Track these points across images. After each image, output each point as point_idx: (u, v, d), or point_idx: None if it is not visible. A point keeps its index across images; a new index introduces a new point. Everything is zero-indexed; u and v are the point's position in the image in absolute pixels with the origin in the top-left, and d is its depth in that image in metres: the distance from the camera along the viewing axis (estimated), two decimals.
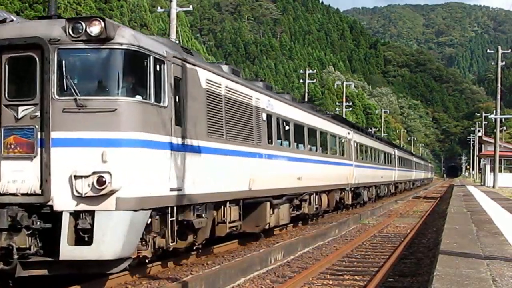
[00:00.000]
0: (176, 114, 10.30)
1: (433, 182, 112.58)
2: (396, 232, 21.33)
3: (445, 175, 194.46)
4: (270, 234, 17.18)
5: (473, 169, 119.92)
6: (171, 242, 10.26)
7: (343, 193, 25.41)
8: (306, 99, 57.67)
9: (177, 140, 10.26)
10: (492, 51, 59.12)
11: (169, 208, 10.14)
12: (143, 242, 9.74)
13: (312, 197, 19.98)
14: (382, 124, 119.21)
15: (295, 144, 18.29)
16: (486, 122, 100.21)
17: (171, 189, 10.02)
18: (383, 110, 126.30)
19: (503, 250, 10.71)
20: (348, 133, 27.24)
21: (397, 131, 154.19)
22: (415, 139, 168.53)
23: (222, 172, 12.25)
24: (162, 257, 11.50)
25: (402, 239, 18.34)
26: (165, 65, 10.06)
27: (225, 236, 13.35)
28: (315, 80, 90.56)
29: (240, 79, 14.36)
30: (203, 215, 11.53)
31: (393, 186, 46.18)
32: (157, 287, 9.92)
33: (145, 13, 79.89)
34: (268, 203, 15.22)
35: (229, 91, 12.91)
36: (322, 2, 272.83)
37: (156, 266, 11.34)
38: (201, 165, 11.25)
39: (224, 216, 12.82)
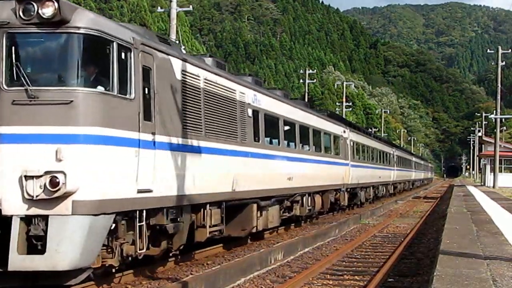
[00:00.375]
0: (145, 108, 9.35)
1: (433, 182, 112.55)
2: (396, 232, 21.32)
3: (445, 175, 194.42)
4: (258, 238, 16.37)
5: (473, 169, 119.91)
6: (141, 249, 9.30)
7: (339, 193, 24.57)
8: (306, 99, 57.70)
9: (146, 137, 9.31)
10: (492, 51, 59.15)
11: (137, 212, 9.18)
12: (109, 250, 8.90)
13: (304, 198, 19.10)
14: (382, 124, 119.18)
15: (286, 142, 17.37)
16: (486, 122, 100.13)
17: (140, 191, 9.09)
18: (383, 110, 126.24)
19: (503, 250, 10.71)
20: (344, 132, 26.20)
21: (397, 131, 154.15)
22: (415, 139, 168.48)
23: (200, 171, 11.31)
24: (162, 257, 11.50)
25: (402, 239, 18.34)
26: (132, 53, 9.10)
27: (207, 241, 12.40)
28: (315, 80, 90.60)
29: (223, 71, 13.25)
30: (178, 219, 10.55)
31: (392, 187, 45.40)
32: (157, 287, 9.92)
33: (145, 13, 79.89)
34: (255, 205, 14.31)
35: (209, 84, 11.93)
36: (322, 2, 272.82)
37: (156, 266, 11.33)
38: (176, 164, 10.31)
39: (204, 220, 11.80)
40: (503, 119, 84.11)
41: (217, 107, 12.30)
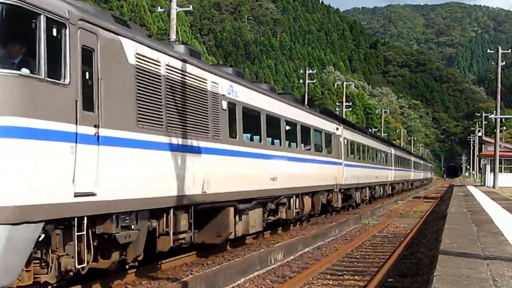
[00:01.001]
0: (86, 96, 7.95)
1: (433, 182, 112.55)
2: (396, 232, 21.32)
3: (445, 175, 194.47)
4: (238, 244, 14.89)
5: (473, 169, 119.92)
6: (79, 264, 7.97)
7: (331, 194, 23.03)
8: (306, 99, 57.70)
9: (87, 130, 7.88)
10: (492, 51, 59.13)
11: (76, 219, 7.80)
12: (43, 264, 7.63)
13: (292, 200, 17.68)
14: (382, 124, 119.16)
15: (269, 139, 15.84)
16: (486, 122, 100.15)
17: (78, 195, 7.69)
18: (383, 110, 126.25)
19: (503, 250, 10.70)
20: (337, 129, 24.61)
21: (397, 131, 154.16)
22: (415, 139, 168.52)
23: (160, 171, 9.88)
24: (162, 257, 11.50)
25: (402, 239, 18.34)
26: (68, 29, 7.68)
27: (173, 250, 10.91)
28: (315, 80, 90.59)
29: (192, 58, 11.71)
30: (132, 227, 9.08)
31: (390, 187, 43.94)
32: (157, 287, 9.91)
33: (144, 13, 79.88)
34: (232, 209, 13.00)
35: (172, 70, 10.45)
36: (322, 2, 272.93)
37: (156, 266, 11.33)
38: (128, 163, 8.87)
39: (167, 227, 10.33)
40: (503, 119, 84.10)
41: (183, 98, 10.79)
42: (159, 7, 49.67)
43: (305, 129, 19.66)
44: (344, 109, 75.06)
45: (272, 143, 16.12)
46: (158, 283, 10.16)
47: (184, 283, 9.61)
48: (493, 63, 55.77)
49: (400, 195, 50.03)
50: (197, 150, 11.25)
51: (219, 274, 10.62)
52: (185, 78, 11.00)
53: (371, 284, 10.86)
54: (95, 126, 8.09)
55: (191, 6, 36.40)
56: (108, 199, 8.34)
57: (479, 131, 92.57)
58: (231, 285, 10.62)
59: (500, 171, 50.22)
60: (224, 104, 12.70)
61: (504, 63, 52.00)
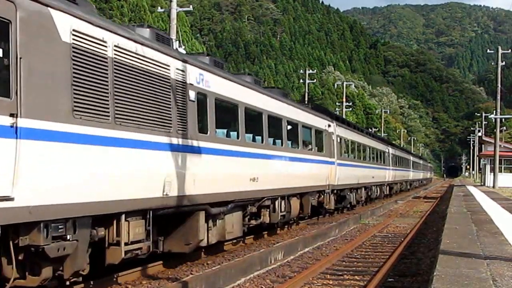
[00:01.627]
0: None
1: (433, 182, 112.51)
2: (396, 232, 21.33)
3: (445, 175, 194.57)
4: (214, 252, 13.47)
5: (473, 169, 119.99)
6: (5, 281, 7.02)
7: (322, 196, 21.48)
8: (306, 99, 57.73)
9: (1, 120, 6.59)
10: (492, 51, 59.14)
11: None
12: None
13: (276, 202, 16.07)
14: (382, 124, 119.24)
15: (249, 136, 14.25)
16: (486, 122, 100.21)
17: None
18: (383, 110, 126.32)
19: (503, 250, 10.70)
20: (329, 126, 22.90)
21: (397, 131, 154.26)
22: (415, 139, 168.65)
23: (106, 171, 8.43)
24: (162, 257, 11.51)
25: (402, 239, 18.35)
26: None
27: (124, 262, 9.31)
28: (315, 80, 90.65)
29: (157, 43, 10.25)
30: (68, 237, 7.69)
31: (387, 188, 42.20)
32: (157, 287, 9.92)
33: (145, 13, 79.89)
34: (202, 213, 11.45)
35: (122, 53, 8.95)
36: (322, 2, 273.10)
37: (156, 266, 11.34)
38: (59, 160, 7.43)
39: (118, 235, 8.89)
40: (503, 119, 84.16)
41: (138, 86, 9.22)
42: (159, 7, 49.73)
43: (292, 125, 18.08)
44: (344, 109, 75.10)
45: (254, 140, 14.53)
46: (158, 283, 10.17)
47: (184, 283, 9.61)
48: (493, 63, 55.78)
49: (400, 195, 50.00)
50: (156, 147, 9.68)
51: (219, 274, 10.62)
52: (141, 63, 9.38)
53: (371, 284, 10.86)
54: (11, 115, 6.68)
55: (191, 6, 36.47)
56: (32, 205, 6.89)
57: (479, 131, 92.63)
58: (231, 285, 10.62)
59: (500, 171, 50.22)
60: (192, 95, 11.08)
61: (504, 63, 52.01)
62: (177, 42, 24.75)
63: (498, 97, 50.00)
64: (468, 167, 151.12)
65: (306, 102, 25.52)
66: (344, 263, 13.95)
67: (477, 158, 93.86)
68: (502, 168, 52.22)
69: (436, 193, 58.81)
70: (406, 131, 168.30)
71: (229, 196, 12.72)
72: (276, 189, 15.85)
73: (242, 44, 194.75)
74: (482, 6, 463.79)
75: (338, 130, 24.45)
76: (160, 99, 9.92)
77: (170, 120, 10.20)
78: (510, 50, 56.31)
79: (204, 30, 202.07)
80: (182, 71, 10.84)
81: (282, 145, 16.75)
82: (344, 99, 76.79)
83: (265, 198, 15.11)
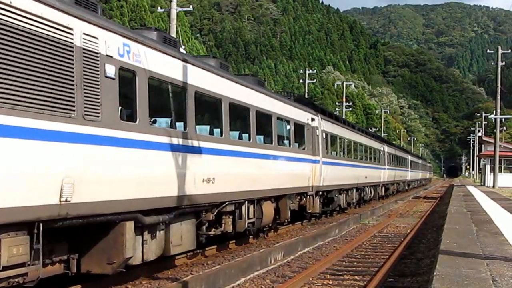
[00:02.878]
0: None
1: (432, 182, 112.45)
2: (396, 232, 21.33)
3: (445, 175, 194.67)
4: (156, 271, 11.12)
5: (473, 169, 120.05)
6: None
7: (305, 199, 19.22)
8: None
9: None
10: (492, 51, 59.13)
11: None
12: None
13: (243, 207, 13.80)
14: (382, 124, 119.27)
15: (204, 127, 12.06)
16: (486, 122, 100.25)
17: None
18: (383, 110, 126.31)
19: (503, 250, 10.71)
20: (312, 120, 20.30)
21: (397, 131, 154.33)
22: (415, 139, 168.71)
23: None
24: (161, 257, 11.50)
25: (402, 239, 18.35)
26: None
27: None
28: (315, 80, 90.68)
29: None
30: None
31: (382, 188, 39.49)
32: (157, 287, 9.92)
33: (145, 13, 79.88)
34: (130, 224, 8.99)
35: None
36: (322, 2, 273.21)
37: (156, 266, 11.33)
38: None
39: None
40: (503, 119, 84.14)
41: (17, 53, 6.96)
42: (159, 7, 49.75)
43: (264, 117, 15.63)
44: (344, 109, 75.11)
45: (211, 133, 12.30)
46: (158, 283, 10.17)
47: (184, 283, 9.61)
48: (493, 63, 55.79)
49: (399, 195, 49.95)
50: (47, 136, 7.32)
51: (219, 274, 10.63)
52: (23, 22, 7.05)
53: (371, 284, 10.86)
54: None
55: (191, 6, 36.43)
56: None
57: (479, 131, 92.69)
58: (231, 285, 10.62)
59: (500, 171, 50.24)
60: (110, 70, 8.68)
61: (504, 63, 52.01)
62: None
63: (498, 97, 50.01)
64: (468, 167, 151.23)
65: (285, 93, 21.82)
66: (344, 263, 13.95)
67: (477, 158, 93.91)
68: (502, 168, 52.23)
69: (436, 193, 58.82)
70: (406, 131, 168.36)
71: (171, 201, 10.26)
72: (242, 192, 13.52)
73: (242, 44, 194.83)
74: (482, 6, 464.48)
75: (323, 125, 21.90)
76: (54, 72, 7.52)
77: (73, 102, 7.71)
78: (510, 50, 56.34)
79: (204, 30, 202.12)
80: (94, 37, 8.33)
81: (249, 139, 14.31)
82: (344, 99, 76.80)
83: (227, 203, 12.77)
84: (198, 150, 11.36)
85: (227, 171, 12.78)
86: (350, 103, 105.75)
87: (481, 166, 72.44)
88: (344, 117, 62.26)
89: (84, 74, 8.09)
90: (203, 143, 11.63)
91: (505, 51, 53.59)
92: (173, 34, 24.74)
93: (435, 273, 8.21)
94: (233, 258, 12.95)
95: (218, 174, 12.19)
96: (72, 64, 7.87)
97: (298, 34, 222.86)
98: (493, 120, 53.71)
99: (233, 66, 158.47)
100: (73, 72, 7.86)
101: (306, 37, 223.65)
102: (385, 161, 40.21)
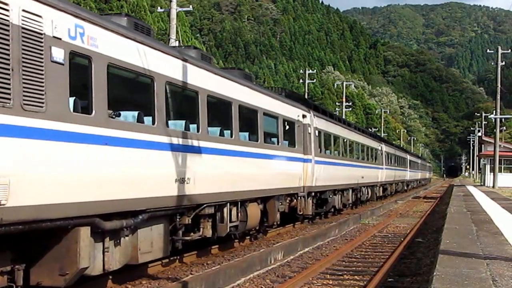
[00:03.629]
0: None
1: (432, 182, 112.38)
2: (396, 232, 21.34)
3: (445, 175, 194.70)
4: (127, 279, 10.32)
5: (473, 169, 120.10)
6: None
7: (295, 200, 18.17)
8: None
9: None
10: (492, 51, 59.17)
11: None
12: None
13: (225, 209, 12.72)
14: (382, 124, 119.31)
15: (176, 122, 10.92)
16: (486, 122, 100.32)
17: None
18: (383, 110, 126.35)
19: (503, 250, 10.71)
20: (303, 117, 19.11)
21: (397, 131, 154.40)
22: (415, 139, 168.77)
23: None
24: (161, 257, 11.51)
25: (402, 239, 18.36)
26: None
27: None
28: (315, 80, 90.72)
29: None
30: None
31: (380, 189, 38.27)
32: (157, 287, 9.92)
33: (145, 13, 79.92)
34: (86, 229, 8.01)
35: None
36: (322, 2, 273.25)
37: (156, 266, 11.33)
38: None
39: None
40: (503, 119, 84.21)
41: None
42: (159, 7, 49.73)
43: (249, 112, 14.55)
44: (344, 109, 75.14)
45: (187, 128, 11.12)
46: (158, 283, 10.17)
47: (184, 283, 9.62)
48: (493, 63, 55.81)
49: (399, 195, 49.93)
50: None
51: (219, 274, 10.63)
52: None
53: (371, 284, 10.87)
54: None
55: (191, 6, 36.47)
56: None
57: (478, 131, 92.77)
58: (231, 285, 10.63)
59: (500, 171, 50.26)
60: (58, 54, 7.66)
61: (504, 63, 52.07)
62: (177, 42, 24.81)
63: (498, 97, 50.03)
64: (468, 167, 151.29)
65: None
66: (344, 263, 13.95)
67: (477, 158, 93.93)
68: (502, 168, 52.25)
69: (436, 193, 58.83)
70: (406, 131, 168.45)
71: (137, 204, 9.19)
72: (223, 193, 12.44)
73: (242, 44, 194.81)
74: (482, 6, 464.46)
75: (316, 122, 20.69)
76: None
77: (8, 89, 6.74)
78: (510, 50, 56.40)
79: (204, 30, 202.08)
80: (37, 16, 7.27)
81: (232, 136, 13.13)
82: (344, 99, 76.86)
83: (205, 205, 11.70)
84: (170, 147, 10.22)
85: (205, 170, 11.64)
86: (350, 103, 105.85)
87: (481, 166, 72.46)
88: (344, 117, 62.24)
89: (24, 58, 7.00)
90: (177, 139, 10.49)
91: (505, 51, 53.62)
92: (173, 34, 24.74)
93: (435, 273, 8.21)
94: (233, 258, 12.95)
95: (194, 174, 11.04)
96: (8, 45, 6.81)
97: (298, 34, 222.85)
98: (493, 120, 53.73)
99: (233, 66, 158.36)
100: (8, 55, 6.80)
101: (306, 37, 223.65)
102: (383, 161, 39.12)
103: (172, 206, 10.43)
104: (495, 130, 50.47)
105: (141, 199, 9.29)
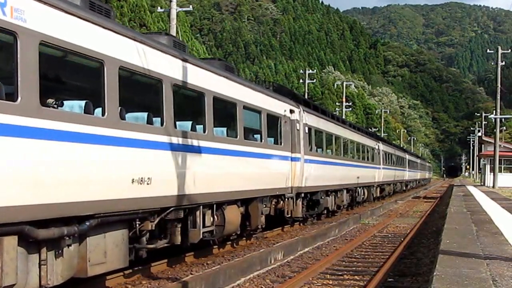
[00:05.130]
0: None
1: (432, 182, 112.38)
2: (396, 232, 21.34)
3: (445, 175, 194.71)
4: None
5: (473, 169, 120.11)
6: None
7: (282, 202, 16.92)
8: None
9: None
10: (492, 51, 59.15)
11: None
12: None
13: (197, 213, 11.43)
14: (382, 124, 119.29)
15: (131, 114, 9.49)
16: (486, 122, 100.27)
17: None
18: (383, 110, 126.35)
19: (503, 250, 10.71)
20: (291, 111, 17.77)
21: (397, 131, 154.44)
22: (415, 139, 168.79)
23: None
24: (163, 257, 11.51)
25: (402, 239, 18.36)
26: None
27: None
28: (315, 80, 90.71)
29: None
30: None
31: (377, 189, 36.82)
32: (157, 287, 9.91)
33: (145, 13, 79.92)
34: (9, 240, 6.81)
35: None
36: (322, 2, 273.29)
37: (156, 266, 11.33)
38: None
39: None
40: (503, 119, 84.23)
41: None
42: (159, 7, 49.67)
43: (225, 105, 13.25)
44: (344, 109, 75.15)
45: (150, 122, 9.81)
46: (158, 283, 10.16)
47: (184, 283, 9.61)
48: (492, 63, 55.80)
49: (399, 195, 49.92)
50: None
51: (219, 274, 10.62)
52: None
53: (371, 284, 10.87)
54: None
55: (191, 6, 36.44)
56: None
57: (479, 131, 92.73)
58: (231, 285, 10.62)
59: (500, 171, 50.26)
60: None
61: (504, 63, 52.05)
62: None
63: (498, 97, 50.04)
64: (468, 167, 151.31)
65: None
66: (344, 263, 13.95)
67: (477, 158, 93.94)
68: (502, 168, 52.25)
69: (436, 193, 58.84)
70: (406, 131, 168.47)
71: (82, 208, 7.88)
72: (194, 195, 11.08)
73: (241, 44, 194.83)
74: (482, 6, 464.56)
75: (306, 118, 19.38)
76: None
77: None
78: (510, 50, 56.43)
79: (204, 30, 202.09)
80: None
81: (204, 131, 11.72)
82: (344, 99, 76.81)
83: (171, 209, 10.36)
84: (125, 143, 8.88)
85: (170, 170, 10.22)
86: (350, 103, 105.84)
87: (481, 166, 72.47)
88: (344, 117, 62.21)
89: None
90: (134, 133, 9.09)
91: (505, 51, 53.62)
92: (173, 34, 24.73)
93: (435, 273, 8.21)
94: (233, 258, 12.94)
95: (157, 174, 9.68)
96: None
97: (298, 34, 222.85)
98: (493, 120, 53.73)
99: (233, 66, 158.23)
100: None
101: (306, 37, 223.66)
102: (380, 160, 37.71)
103: (129, 211, 9.09)
104: (495, 130, 50.46)
105: (87, 202, 7.93)
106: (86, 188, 7.90)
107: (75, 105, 8.00)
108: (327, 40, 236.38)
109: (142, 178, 9.23)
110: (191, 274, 10.88)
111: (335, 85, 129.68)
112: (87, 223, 8.07)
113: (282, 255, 14.12)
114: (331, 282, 11.38)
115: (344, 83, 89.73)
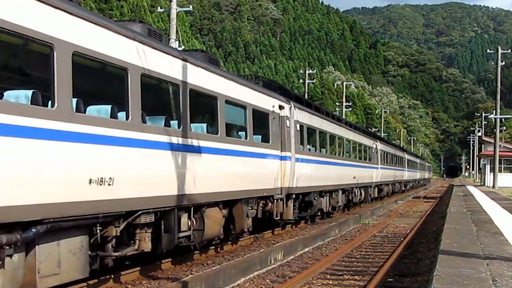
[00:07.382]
0: None
1: (432, 182, 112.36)
2: (396, 232, 21.34)
3: (445, 175, 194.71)
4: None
5: (473, 169, 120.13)
6: None
7: (271, 204, 15.94)
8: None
9: None
10: (492, 51, 59.17)
11: None
12: None
13: (172, 217, 10.45)
14: (382, 124, 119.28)
15: (92, 107, 8.56)
16: (486, 122, 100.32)
17: None
18: (383, 110, 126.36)
19: (503, 250, 10.71)
20: (281, 107, 16.75)
21: (397, 131, 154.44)
22: (415, 139, 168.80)
23: None
24: (161, 256, 11.50)
25: (402, 239, 18.36)
26: None
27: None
28: (315, 80, 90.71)
29: None
30: None
31: (375, 190, 35.84)
32: (157, 287, 9.91)
33: (145, 13, 79.92)
34: None
35: None
36: (322, 2, 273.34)
37: (156, 266, 11.33)
38: None
39: None
40: (503, 119, 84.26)
41: None
42: (159, 7, 49.71)
43: (204, 100, 12.23)
44: (344, 109, 75.15)
45: (114, 116, 8.83)
46: (158, 283, 10.16)
47: (184, 283, 9.61)
48: (492, 63, 55.85)
49: (399, 195, 49.92)
50: None
51: (219, 274, 10.63)
52: None
53: (371, 284, 10.87)
54: None
55: (191, 6, 36.47)
56: None
57: (478, 131, 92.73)
58: (231, 285, 10.62)
59: (500, 171, 50.27)
60: None
61: (504, 63, 52.07)
62: (177, 42, 24.81)
63: (498, 97, 50.04)
64: (468, 167, 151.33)
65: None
66: (344, 263, 13.96)
67: (477, 158, 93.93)
68: (502, 168, 52.26)
69: (436, 193, 58.85)
70: (406, 131, 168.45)
71: (26, 213, 6.86)
72: (166, 197, 10.11)
73: (241, 44, 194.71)
74: (482, 6, 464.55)
75: (297, 115, 18.38)
76: None
77: None
78: (510, 50, 56.42)
79: (204, 30, 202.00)
80: None
81: (179, 127, 10.71)
82: (344, 99, 76.81)
83: (140, 212, 9.36)
84: (83, 138, 7.91)
85: (137, 169, 9.24)
86: (350, 103, 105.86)
87: (481, 166, 72.45)
88: (344, 117, 62.20)
89: None
90: (93, 128, 8.14)
91: (505, 51, 53.64)
92: (173, 34, 24.74)
93: (435, 273, 8.21)
94: (233, 258, 12.94)
95: (120, 173, 8.72)
96: None
97: (298, 34, 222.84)
98: (493, 120, 53.74)
99: (233, 66, 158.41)
100: None
101: (306, 37, 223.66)
102: (378, 160, 36.56)
103: (87, 215, 8.08)
104: (495, 130, 50.47)
105: (31, 206, 6.89)
106: (30, 190, 6.88)
107: (20, 96, 7.08)
108: (327, 40, 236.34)
109: (102, 178, 8.27)
110: (191, 274, 10.88)
111: (335, 85, 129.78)
112: (33, 230, 7.05)
113: (282, 255, 14.12)
114: (331, 282, 11.38)
115: (344, 83, 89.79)
